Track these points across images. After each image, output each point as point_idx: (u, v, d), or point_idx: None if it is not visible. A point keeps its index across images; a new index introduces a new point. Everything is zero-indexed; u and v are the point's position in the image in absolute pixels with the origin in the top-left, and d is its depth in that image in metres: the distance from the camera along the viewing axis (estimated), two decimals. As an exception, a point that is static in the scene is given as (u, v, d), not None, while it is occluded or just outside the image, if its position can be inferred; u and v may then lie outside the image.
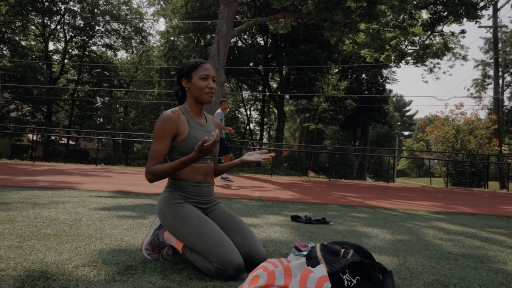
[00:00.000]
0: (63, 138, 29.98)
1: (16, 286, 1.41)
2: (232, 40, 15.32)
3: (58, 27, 28.86)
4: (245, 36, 28.30)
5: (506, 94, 38.05)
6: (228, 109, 8.15)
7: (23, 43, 28.05)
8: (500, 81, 33.56)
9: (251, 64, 27.16)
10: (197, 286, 1.54)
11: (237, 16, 24.07)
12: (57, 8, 27.76)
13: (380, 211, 4.77)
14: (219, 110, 7.50)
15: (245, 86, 32.09)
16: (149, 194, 4.98)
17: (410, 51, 13.56)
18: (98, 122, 28.47)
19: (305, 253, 1.75)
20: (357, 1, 12.72)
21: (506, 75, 37.93)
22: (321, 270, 1.31)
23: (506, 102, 38.20)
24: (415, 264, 2.13)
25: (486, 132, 15.74)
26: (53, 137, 27.19)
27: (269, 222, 3.36)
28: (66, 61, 29.52)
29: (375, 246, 2.56)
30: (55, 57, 30.46)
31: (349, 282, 1.41)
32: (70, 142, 30.85)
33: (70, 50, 30.15)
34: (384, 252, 2.41)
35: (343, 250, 1.68)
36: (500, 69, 22.90)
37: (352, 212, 4.53)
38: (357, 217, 4.08)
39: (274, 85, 30.92)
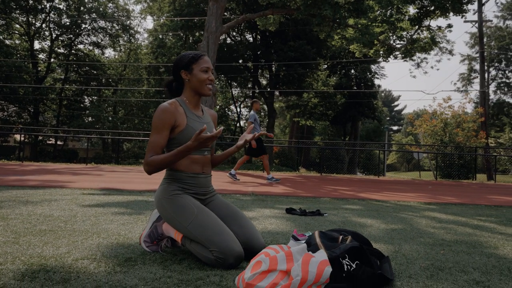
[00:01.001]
0: (51, 138, 29.57)
1: (16, 279, 1.41)
2: (221, 37, 15.26)
3: (44, 25, 28.42)
4: (234, 33, 28.22)
5: (492, 87, 38.70)
6: (260, 109, 7.98)
7: (7, 42, 27.54)
8: (486, 75, 34.06)
9: (240, 61, 27.12)
10: (198, 275, 1.55)
11: (226, 13, 23.97)
12: (42, 6, 27.31)
13: (372, 203, 4.82)
14: (252, 112, 7.30)
15: (234, 83, 32.03)
16: (142, 191, 4.95)
17: (398, 45, 13.68)
18: (86, 121, 28.15)
19: (304, 241, 1.77)
20: (346, -4, 12.78)
21: (491, 69, 38.56)
22: (322, 254, 1.33)
23: (492, 96, 38.88)
24: (410, 251, 2.16)
25: (473, 125, 16.00)
26: (40, 137, 26.81)
27: (264, 215, 3.37)
28: (52, 60, 29.08)
29: (370, 235, 2.60)
30: (41, 56, 30.01)
31: (348, 266, 1.44)
32: (58, 142, 30.46)
33: (56, 49, 29.71)
34: (379, 240, 2.45)
35: (341, 236, 1.71)
36: (485, 63, 23.25)
37: (345, 204, 4.57)
38: (350, 208, 4.13)
39: (264, 82, 30.93)
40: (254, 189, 6.08)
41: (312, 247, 1.53)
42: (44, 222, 2.52)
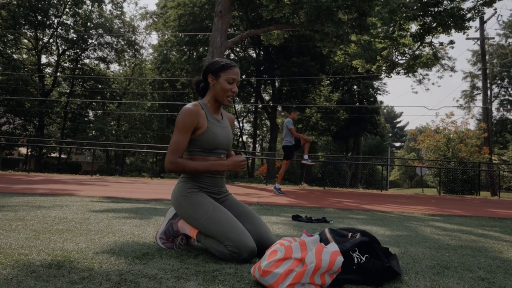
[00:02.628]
0: (55, 151, 29.76)
1: (44, 267, 1.48)
2: (225, 53, 15.55)
3: (51, 40, 28.93)
4: (237, 49, 28.67)
5: (495, 105, 38.86)
6: (296, 118, 8.10)
7: (15, 56, 28.03)
8: (488, 92, 34.27)
9: (243, 77, 27.45)
10: (213, 267, 1.62)
11: (230, 29, 24.41)
12: (50, 21, 27.88)
13: (377, 214, 4.87)
14: (288, 118, 7.52)
15: (237, 98, 32.35)
16: (149, 200, 5.03)
17: (401, 61, 13.88)
18: (90, 134, 28.36)
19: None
20: (348, 13, 13.04)
21: (494, 86, 38.78)
22: (334, 246, 1.40)
23: (495, 113, 39.00)
24: (416, 253, 2.22)
25: (476, 140, 16.06)
26: (45, 150, 27.00)
27: (271, 221, 3.43)
28: (58, 74, 29.51)
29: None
30: (47, 70, 30.47)
31: (358, 259, 1.51)
32: (62, 156, 30.62)
33: (63, 63, 30.17)
34: (386, 244, 2.50)
35: (350, 233, 1.78)
36: (488, 80, 23.44)
37: (349, 214, 4.62)
38: (355, 218, 4.18)
39: (267, 97, 31.21)
40: (258, 199, 6.14)
41: (323, 241, 1.60)
42: (60, 223, 2.60)
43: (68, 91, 30.27)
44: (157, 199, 5.10)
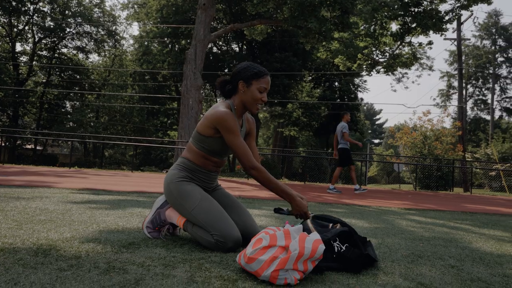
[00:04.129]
0: (29, 143, 28.96)
1: (30, 255, 1.50)
2: (208, 46, 15.46)
3: (26, 27, 28.03)
4: (220, 43, 28.49)
5: (469, 104, 40.07)
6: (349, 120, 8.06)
7: (-12, 43, 27.07)
8: (464, 91, 35.32)
9: (226, 71, 27.34)
10: (199, 256, 1.66)
11: (213, 23, 24.24)
12: (26, 8, 26.98)
13: (355, 207, 5.01)
14: (343, 123, 7.52)
15: (219, 92, 32.17)
16: (130, 192, 5.01)
17: (381, 60, 14.14)
18: (68, 126, 27.73)
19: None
20: (331, 10, 13.18)
21: (469, 86, 39.96)
22: (316, 235, 1.47)
23: (469, 112, 40.22)
24: (392, 243, 2.33)
25: (451, 138, 16.56)
26: (19, 141, 26.25)
27: (254, 214, 3.50)
28: (34, 62, 28.64)
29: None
30: (22, 58, 29.52)
31: (339, 248, 1.58)
32: (38, 147, 29.84)
33: (39, 52, 29.29)
34: (364, 235, 2.60)
35: (331, 224, 1.86)
36: (463, 80, 24.15)
37: (329, 208, 4.74)
38: (335, 211, 4.29)
39: (249, 92, 31.16)
40: (240, 193, 6.20)
41: (306, 231, 1.67)
42: (42, 214, 2.59)
43: (44, 80, 29.45)
44: (139, 192, 5.09)
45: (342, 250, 1.59)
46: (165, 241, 1.95)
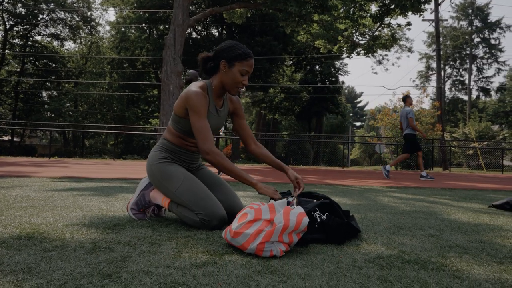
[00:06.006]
0: (6, 134, 28.12)
1: (14, 239, 1.47)
2: (187, 31, 15.20)
3: (-3, 15, 26.89)
4: (199, 28, 28.03)
5: (447, 85, 40.85)
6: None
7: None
8: (442, 72, 35.93)
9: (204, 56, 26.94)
10: (185, 234, 1.67)
11: (191, 7, 23.77)
12: (-5, -6, 25.84)
13: (338, 187, 5.09)
14: (408, 108, 7.15)
15: (200, 78, 31.84)
16: (113, 179, 4.95)
17: (361, 42, 14.21)
18: (46, 116, 27.00)
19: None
20: (311, -8, 13.10)
21: (447, 67, 40.66)
22: (300, 208, 1.50)
23: (448, 93, 41.04)
24: (375, 218, 2.39)
25: (430, 118, 16.91)
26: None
27: (239, 195, 3.51)
28: (6, 51, 27.60)
29: (338, 208, 2.81)
30: (-6, 47, 28.40)
31: (319, 218, 1.62)
32: (15, 139, 29.01)
33: (11, 40, 28.21)
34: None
35: (315, 200, 1.89)
36: (441, 61, 24.60)
37: (313, 188, 4.80)
38: (318, 191, 4.35)
39: (230, 77, 30.91)
40: (224, 176, 6.21)
41: (289, 205, 1.70)
42: (23, 201, 2.54)
43: (18, 70, 28.46)
44: (121, 178, 5.04)
45: (323, 219, 1.63)
46: (151, 222, 1.95)
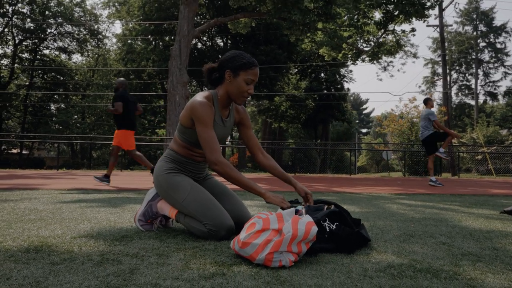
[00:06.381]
0: (15, 147, 28.45)
1: (22, 252, 1.47)
2: (192, 42, 15.34)
3: (6, 30, 27.39)
4: (204, 38, 28.28)
5: (454, 90, 40.62)
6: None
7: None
8: (448, 77, 35.76)
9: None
10: (193, 245, 1.66)
11: (196, 18, 24.03)
12: (4, 10, 26.35)
13: (346, 195, 5.05)
14: (430, 110, 7.01)
15: (205, 88, 32.01)
16: (121, 190, 4.97)
17: (366, 49, 14.21)
18: (54, 128, 27.28)
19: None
20: (314, 1, 13.17)
21: (453, 72, 40.46)
22: (308, 217, 1.48)
23: (454, 98, 40.78)
24: (384, 225, 2.36)
25: (437, 124, 16.78)
26: (4, 146, 25.77)
27: (246, 205, 3.50)
28: (16, 65, 28.04)
29: (347, 216, 2.79)
30: (3, 61, 28.89)
31: (330, 227, 1.60)
32: (24, 151, 29.32)
33: (20, 54, 28.67)
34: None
35: (326, 207, 1.87)
36: (447, 66, 24.49)
37: (320, 196, 4.77)
38: (326, 199, 4.32)
39: (235, 86, 31.02)
40: (231, 186, 6.20)
41: (298, 214, 1.68)
42: (31, 214, 2.55)
43: (27, 83, 28.87)
44: (129, 189, 5.05)
45: (333, 228, 1.61)
46: (158, 233, 1.95)
